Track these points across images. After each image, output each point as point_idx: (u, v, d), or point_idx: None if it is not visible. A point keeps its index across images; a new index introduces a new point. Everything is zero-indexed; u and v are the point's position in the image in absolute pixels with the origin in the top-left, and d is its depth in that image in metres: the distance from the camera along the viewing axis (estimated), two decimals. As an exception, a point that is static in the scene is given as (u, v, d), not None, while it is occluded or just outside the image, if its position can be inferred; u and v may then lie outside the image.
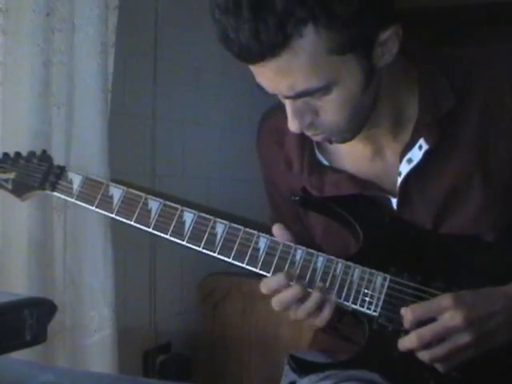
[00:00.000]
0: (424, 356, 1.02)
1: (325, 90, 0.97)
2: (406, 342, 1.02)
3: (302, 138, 1.16)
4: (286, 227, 1.12)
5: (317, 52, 0.93)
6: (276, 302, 1.06)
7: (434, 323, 1.00)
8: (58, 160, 1.72)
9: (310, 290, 1.06)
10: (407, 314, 1.02)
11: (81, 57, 1.83)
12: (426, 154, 1.07)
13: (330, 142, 1.09)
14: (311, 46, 0.92)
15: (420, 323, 1.01)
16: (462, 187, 1.09)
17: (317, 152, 1.17)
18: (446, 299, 1.01)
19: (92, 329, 1.89)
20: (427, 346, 1.01)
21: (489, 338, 1.01)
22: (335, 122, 1.03)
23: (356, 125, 1.06)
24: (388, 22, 0.97)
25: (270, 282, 1.07)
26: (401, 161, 1.09)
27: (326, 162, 1.17)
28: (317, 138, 1.08)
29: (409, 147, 1.08)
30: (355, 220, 1.11)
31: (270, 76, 0.97)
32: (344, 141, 1.09)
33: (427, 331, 1.01)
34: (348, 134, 1.07)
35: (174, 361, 2.53)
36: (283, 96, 1.00)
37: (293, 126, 1.03)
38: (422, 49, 1.02)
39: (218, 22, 0.94)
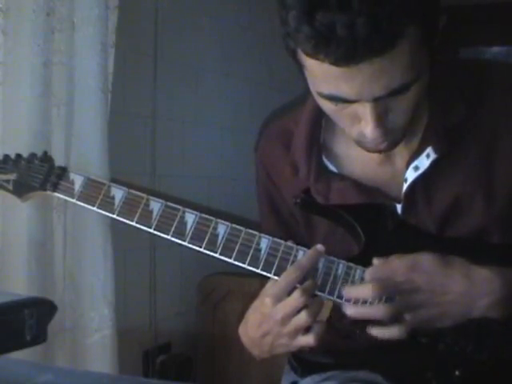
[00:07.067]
0: (375, 311, 1.03)
1: (412, 84, 0.95)
2: (358, 289, 1.05)
3: (310, 143, 1.15)
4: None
5: (415, 44, 0.92)
6: (308, 314, 1.04)
7: (386, 282, 1.03)
8: (58, 160, 1.72)
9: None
10: (367, 272, 1.05)
11: (81, 57, 1.83)
12: (434, 162, 1.07)
13: (380, 152, 1.07)
14: (413, 38, 0.91)
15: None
16: (465, 199, 1.09)
17: (324, 158, 1.16)
18: (404, 262, 1.03)
19: (92, 329, 1.89)
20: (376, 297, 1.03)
21: (437, 313, 1.02)
22: (401, 123, 1.02)
23: (408, 126, 1.05)
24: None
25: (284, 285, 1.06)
26: (407, 167, 1.09)
27: (333, 168, 1.16)
28: (382, 146, 1.04)
29: (416, 155, 1.08)
30: (357, 222, 1.11)
31: (364, 78, 0.92)
32: (394, 146, 1.07)
33: (379, 287, 1.03)
34: (402, 137, 1.06)
35: (174, 361, 2.53)
36: (373, 98, 0.95)
37: (375, 132, 0.99)
38: (433, 56, 1.01)
39: (314, 21, 0.87)
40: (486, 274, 1.02)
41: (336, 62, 0.90)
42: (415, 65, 0.94)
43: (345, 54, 0.89)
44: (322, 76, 0.95)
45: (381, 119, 0.98)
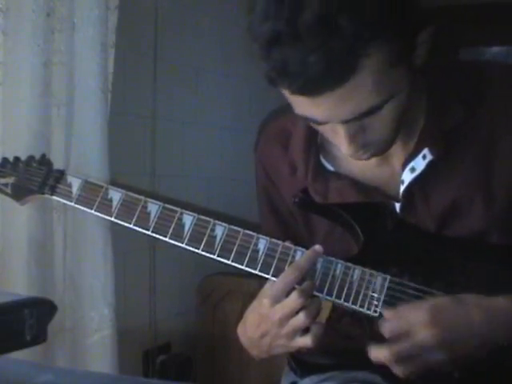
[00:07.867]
0: (397, 370, 1.00)
1: (384, 105, 0.95)
2: (378, 354, 1.00)
3: (308, 142, 1.15)
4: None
5: (380, 68, 0.91)
6: (305, 316, 1.03)
7: (408, 340, 0.98)
8: (58, 160, 1.73)
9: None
10: (383, 328, 1.00)
11: (81, 57, 1.83)
12: (430, 164, 1.07)
13: (368, 158, 1.07)
14: (376, 63, 0.90)
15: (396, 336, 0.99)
16: (464, 202, 1.09)
17: (321, 157, 1.17)
18: (422, 315, 0.99)
19: (92, 329, 1.89)
20: (399, 360, 0.99)
21: (462, 358, 1.00)
22: (383, 136, 1.02)
23: (396, 135, 1.05)
24: (425, 22, 0.96)
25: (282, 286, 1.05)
26: (403, 169, 1.09)
27: (330, 168, 1.16)
28: (364, 157, 1.05)
29: (412, 156, 1.08)
30: (355, 221, 1.11)
31: (329, 105, 0.93)
32: (382, 153, 1.07)
33: (400, 348, 0.98)
34: (389, 145, 1.06)
35: (174, 361, 2.53)
36: (342, 121, 0.96)
37: (349, 149, 1.00)
38: (430, 57, 1.00)
39: (270, 56, 0.89)
40: (504, 305, 1.00)
41: (298, 92, 0.92)
42: (385, 86, 0.93)
43: (302, 87, 0.90)
44: (291, 100, 0.97)
45: (355, 137, 0.99)
